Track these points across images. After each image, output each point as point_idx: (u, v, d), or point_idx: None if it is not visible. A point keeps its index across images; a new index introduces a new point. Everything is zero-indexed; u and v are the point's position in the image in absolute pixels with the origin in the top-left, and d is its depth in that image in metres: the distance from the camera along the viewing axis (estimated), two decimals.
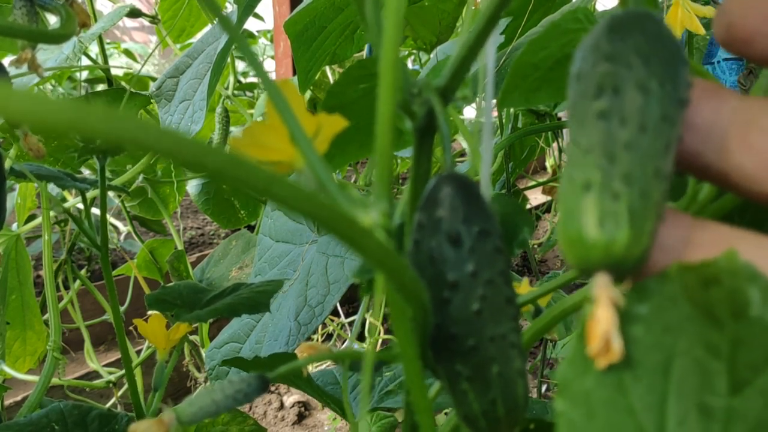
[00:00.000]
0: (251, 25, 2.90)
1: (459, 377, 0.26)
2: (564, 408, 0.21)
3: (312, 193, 0.18)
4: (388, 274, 0.22)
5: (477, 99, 0.44)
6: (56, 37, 0.58)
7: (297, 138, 0.24)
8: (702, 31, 0.67)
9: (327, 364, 1.66)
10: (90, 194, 1.17)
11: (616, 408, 0.20)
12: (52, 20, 1.12)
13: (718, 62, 0.94)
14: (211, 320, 0.75)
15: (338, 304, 1.99)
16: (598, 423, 0.20)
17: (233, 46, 0.97)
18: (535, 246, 2.54)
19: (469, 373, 0.26)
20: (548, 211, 2.30)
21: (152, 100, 1.03)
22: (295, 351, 0.39)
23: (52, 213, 1.05)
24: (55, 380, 1.21)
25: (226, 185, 1.46)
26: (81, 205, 1.26)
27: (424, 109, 0.31)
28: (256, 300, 0.75)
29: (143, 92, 1.02)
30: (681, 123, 0.23)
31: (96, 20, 1.09)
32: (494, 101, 0.59)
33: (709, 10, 0.66)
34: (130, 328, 1.44)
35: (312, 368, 1.50)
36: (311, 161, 0.23)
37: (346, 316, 2.03)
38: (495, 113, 1.34)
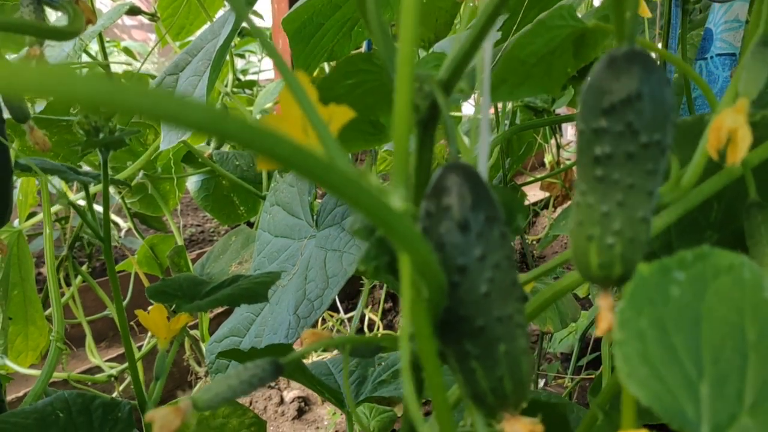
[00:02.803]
0: None
1: (468, 356, 0.27)
2: (623, 338, 0.25)
3: (359, 181, 0.19)
4: (415, 256, 0.23)
5: (475, 95, 0.45)
6: (65, 34, 0.58)
7: (314, 124, 0.25)
8: (648, 14, 0.68)
9: (321, 356, 1.67)
10: (91, 189, 1.18)
11: (663, 345, 0.25)
12: (53, 18, 1.12)
13: (712, 57, 0.95)
14: (211, 315, 0.75)
15: (337, 300, 2.00)
16: (649, 354, 0.25)
17: (232, 45, 0.98)
18: (534, 242, 2.55)
19: (478, 352, 0.27)
20: (546, 207, 2.31)
21: None
22: (300, 338, 0.40)
23: (53, 208, 1.06)
24: (58, 374, 1.22)
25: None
26: (82, 201, 1.27)
27: (427, 102, 0.33)
28: (254, 290, 0.76)
29: None
30: (665, 163, 0.29)
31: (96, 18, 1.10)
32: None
33: None
34: (132, 323, 1.45)
35: (307, 360, 1.51)
36: (329, 147, 0.24)
37: (345, 312, 2.05)
38: (491, 109, 1.35)
